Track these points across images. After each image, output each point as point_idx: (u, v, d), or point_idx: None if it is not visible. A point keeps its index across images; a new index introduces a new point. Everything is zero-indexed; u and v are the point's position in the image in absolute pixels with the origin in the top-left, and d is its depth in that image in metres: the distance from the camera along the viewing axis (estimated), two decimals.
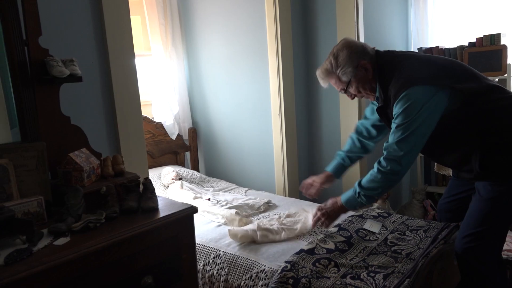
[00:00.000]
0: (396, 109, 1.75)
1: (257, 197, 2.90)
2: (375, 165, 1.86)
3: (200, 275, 2.20)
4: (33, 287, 1.22)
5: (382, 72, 1.85)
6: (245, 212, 2.63)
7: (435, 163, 3.30)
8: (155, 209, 1.63)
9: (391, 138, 1.79)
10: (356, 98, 3.04)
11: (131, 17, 2.12)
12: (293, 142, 3.25)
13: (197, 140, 3.81)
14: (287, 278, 1.78)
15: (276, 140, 3.22)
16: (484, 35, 3.13)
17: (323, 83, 2.00)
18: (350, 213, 2.36)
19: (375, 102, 2.01)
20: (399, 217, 2.34)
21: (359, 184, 1.90)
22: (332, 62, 1.90)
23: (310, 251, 1.95)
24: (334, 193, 3.04)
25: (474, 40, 3.17)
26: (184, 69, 3.71)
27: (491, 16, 3.34)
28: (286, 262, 1.88)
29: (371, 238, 2.11)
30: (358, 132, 2.22)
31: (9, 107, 1.66)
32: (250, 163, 3.49)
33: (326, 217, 2.03)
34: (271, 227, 2.28)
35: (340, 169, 2.28)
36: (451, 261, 1.97)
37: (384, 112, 1.93)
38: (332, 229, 2.18)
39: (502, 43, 3.08)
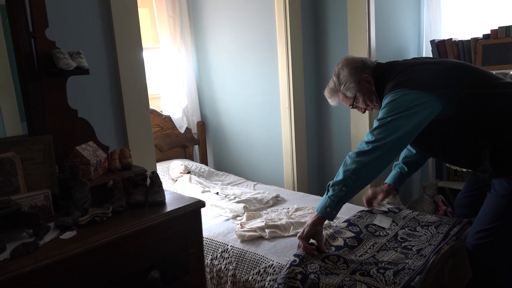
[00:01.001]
0: (383, 104, 1.76)
1: (265, 191, 2.88)
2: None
3: (207, 270, 2.19)
4: (39, 281, 1.22)
5: (380, 81, 1.90)
6: (253, 207, 2.61)
7: None
8: (162, 203, 1.62)
9: (375, 133, 1.74)
10: None
11: (139, 9, 2.10)
12: (302, 136, 3.21)
13: (205, 133, 3.79)
14: (295, 273, 1.75)
15: (285, 134, 3.19)
16: (499, 27, 3.05)
17: (331, 101, 2.09)
18: (356, 209, 2.32)
19: None
20: (409, 213, 2.30)
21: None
22: (335, 81, 2.00)
23: (319, 248, 1.92)
24: None
25: (489, 32, 3.09)
26: (192, 62, 3.68)
27: (506, 7, 3.25)
28: (294, 255, 1.85)
29: (381, 233, 2.07)
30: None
31: (19, 100, 1.65)
32: (259, 157, 3.47)
33: (303, 238, 1.85)
34: (279, 223, 2.26)
35: (399, 179, 2.22)
36: (463, 258, 1.93)
37: None
38: (342, 224, 2.14)
39: None
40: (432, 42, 3.37)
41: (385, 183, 2.28)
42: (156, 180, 1.71)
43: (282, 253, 2.03)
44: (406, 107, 1.68)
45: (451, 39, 3.27)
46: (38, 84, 1.64)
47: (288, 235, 2.19)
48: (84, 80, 1.86)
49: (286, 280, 1.73)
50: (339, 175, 1.74)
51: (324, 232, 2.06)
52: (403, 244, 1.96)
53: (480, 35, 3.15)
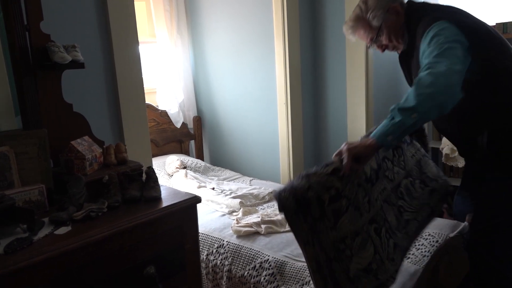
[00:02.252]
0: (426, 41, 1.58)
1: (261, 187, 2.88)
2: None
3: (203, 265, 2.19)
4: (33, 277, 1.21)
5: (412, 17, 1.75)
6: (249, 202, 2.61)
7: (443, 155, 3.25)
8: (158, 198, 1.61)
9: (438, 57, 1.50)
10: (364, 83, 2.88)
11: (136, 3, 2.08)
12: (299, 131, 3.21)
13: (202, 128, 3.78)
14: (331, 186, 1.41)
15: (282, 129, 3.19)
16: (496, 23, 3.05)
17: (351, 33, 1.86)
18: None
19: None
20: (416, 151, 1.93)
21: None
22: (362, 6, 1.80)
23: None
24: None
25: None
26: (189, 56, 3.66)
27: (504, 4, 3.25)
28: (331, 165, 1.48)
29: (389, 176, 1.75)
30: None
31: (13, 94, 1.63)
32: (255, 152, 3.46)
33: (349, 150, 1.46)
34: (275, 218, 2.26)
35: None
36: (459, 255, 1.94)
37: (406, 60, 1.82)
38: None
39: None
40: None
41: None
42: (151, 175, 1.70)
43: (278, 248, 2.03)
44: (455, 37, 1.52)
45: None
46: (32, 78, 1.62)
47: (284, 231, 2.19)
48: (80, 74, 1.84)
49: (319, 186, 1.41)
50: (409, 100, 1.43)
51: None
52: (399, 202, 1.73)
53: None
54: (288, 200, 1.38)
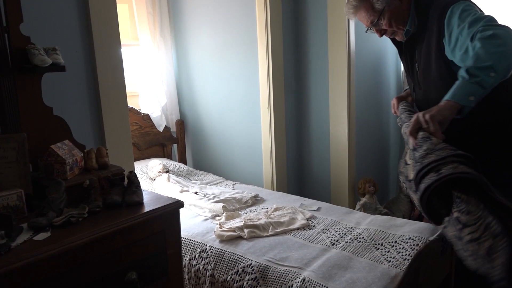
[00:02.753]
0: (454, 18, 1.55)
1: (244, 191, 2.88)
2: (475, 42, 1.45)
3: (186, 270, 2.18)
4: (11, 284, 1.18)
5: (420, 1, 1.73)
6: (232, 206, 2.61)
7: None
8: (140, 203, 1.60)
9: (471, 29, 1.47)
10: (346, 88, 2.91)
11: (118, 5, 2.06)
12: (282, 136, 3.22)
13: (184, 132, 3.76)
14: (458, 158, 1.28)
15: (265, 133, 3.20)
16: None
17: (352, 13, 1.82)
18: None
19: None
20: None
21: (464, 67, 1.43)
22: None
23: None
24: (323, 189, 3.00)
25: None
26: (172, 60, 3.64)
27: (488, 12, 3.33)
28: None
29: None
30: None
31: None
32: (238, 156, 3.46)
33: (433, 117, 1.37)
34: (258, 223, 2.26)
35: None
36: (438, 258, 1.98)
37: (412, 47, 1.78)
38: None
39: None
40: None
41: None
42: (133, 180, 1.68)
43: (261, 252, 2.03)
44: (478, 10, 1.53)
45: None
46: (11, 81, 1.59)
47: (267, 235, 2.19)
48: (60, 77, 1.82)
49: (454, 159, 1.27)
50: (483, 59, 1.38)
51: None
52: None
53: None
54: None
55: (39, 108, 1.69)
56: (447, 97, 1.40)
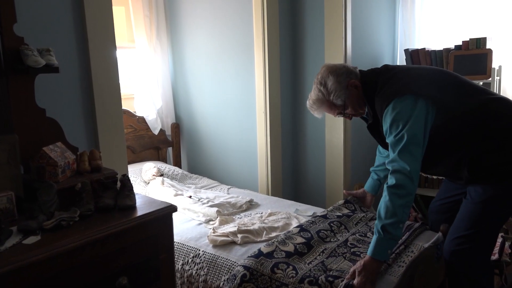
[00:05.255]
0: (386, 124, 1.74)
1: (239, 196, 2.86)
2: (384, 189, 1.74)
3: (178, 275, 2.15)
4: None
5: (367, 89, 1.87)
6: (226, 211, 2.59)
7: None
8: (133, 207, 1.58)
9: (391, 152, 1.72)
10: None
11: (115, 7, 2.05)
12: (278, 140, 3.21)
13: (180, 135, 3.74)
14: None
15: (260, 138, 3.18)
16: (470, 39, 3.13)
17: (317, 114, 2.01)
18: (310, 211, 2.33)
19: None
20: (363, 216, 2.31)
21: (378, 220, 1.71)
22: (322, 90, 1.90)
23: (269, 255, 1.89)
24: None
25: (460, 43, 3.17)
26: (168, 63, 3.63)
27: (477, 20, 3.35)
28: (243, 267, 1.81)
29: (331, 239, 2.08)
30: (379, 149, 2.24)
31: None
32: (234, 160, 3.45)
33: (358, 275, 1.67)
34: (251, 228, 2.24)
35: (375, 185, 2.30)
36: (432, 265, 1.96)
37: (376, 130, 1.93)
38: (294, 229, 2.13)
39: (487, 47, 3.09)
40: (406, 51, 3.43)
41: (363, 189, 2.35)
42: (126, 183, 1.66)
43: None
44: (410, 114, 1.68)
45: (424, 48, 3.34)
46: (4, 82, 1.57)
47: (261, 240, 2.17)
48: (54, 79, 1.80)
49: None
50: (392, 213, 1.66)
51: (276, 238, 2.06)
52: (352, 250, 1.98)
53: (452, 46, 3.23)
54: None
55: (31, 109, 1.68)
56: (369, 253, 1.69)
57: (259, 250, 1.92)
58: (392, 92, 1.74)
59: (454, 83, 1.81)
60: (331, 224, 2.20)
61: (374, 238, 1.70)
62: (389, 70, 1.87)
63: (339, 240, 2.06)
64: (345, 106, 1.91)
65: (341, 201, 2.44)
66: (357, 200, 2.42)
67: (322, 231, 2.13)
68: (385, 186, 1.73)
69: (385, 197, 1.70)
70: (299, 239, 2.03)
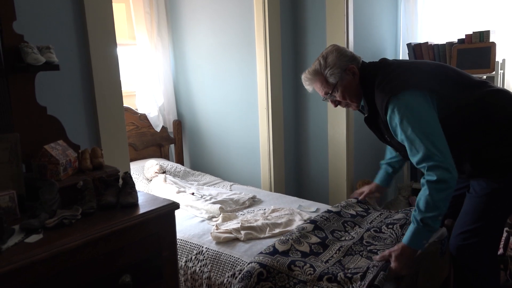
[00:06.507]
0: (394, 123, 1.70)
1: (242, 192, 2.85)
2: (422, 183, 1.70)
3: (182, 272, 2.15)
4: (1, 287, 1.15)
5: (365, 82, 1.85)
6: (229, 207, 2.58)
7: None
8: (135, 204, 1.57)
9: (416, 152, 1.66)
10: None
11: (115, 4, 2.04)
12: (280, 136, 3.20)
13: (182, 132, 3.74)
14: None
15: (263, 134, 3.17)
16: (473, 32, 3.11)
17: (308, 84, 1.95)
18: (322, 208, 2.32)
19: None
20: (377, 216, 2.29)
21: (417, 212, 1.68)
22: (321, 62, 1.87)
23: (285, 253, 1.85)
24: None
25: (463, 37, 3.15)
26: (169, 59, 3.62)
27: (480, 13, 3.32)
28: (259, 264, 1.76)
29: (346, 238, 2.06)
30: None
31: None
32: (236, 157, 3.44)
33: (395, 260, 1.69)
34: (255, 224, 2.23)
35: (386, 178, 2.27)
36: (436, 261, 1.95)
37: (374, 123, 1.90)
38: (308, 225, 2.09)
39: (491, 40, 3.06)
40: (408, 45, 3.41)
41: (374, 182, 2.32)
42: (128, 181, 1.66)
43: None
44: (417, 109, 1.65)
45: (427, 42, 3.31)
46: (4, 80, 1.56)
47: (264, 237, 2.17)
48: (54, 76, 1.79)
49: None
50: (432, 207, 1.63)
51: (290, 235, 2.01)
52: (368, 248, 1.95)
53: (455, 40, 3.20)
54: None
55: (32, 107, 1.67)
56: (405, 241, 1.67)
57: (274, 247, 1.88)
58: (392, 87, 1.71)
59: (453, 76, 1.79)
60: (345, 224, 2.17)
61: (411, 228, 1.68)
62: (389, 65, 1.84)
63: (354, 238, 2.03)
64: (336, 87, 1.86)
65: (354, 200, 2.40)
66: (369, 200, 2.40)
67: (336, 231, 2.09)
68: (422, 180, 1.67)
69: (424, 191, 1.65)
70: (314, 239, 1.98)
